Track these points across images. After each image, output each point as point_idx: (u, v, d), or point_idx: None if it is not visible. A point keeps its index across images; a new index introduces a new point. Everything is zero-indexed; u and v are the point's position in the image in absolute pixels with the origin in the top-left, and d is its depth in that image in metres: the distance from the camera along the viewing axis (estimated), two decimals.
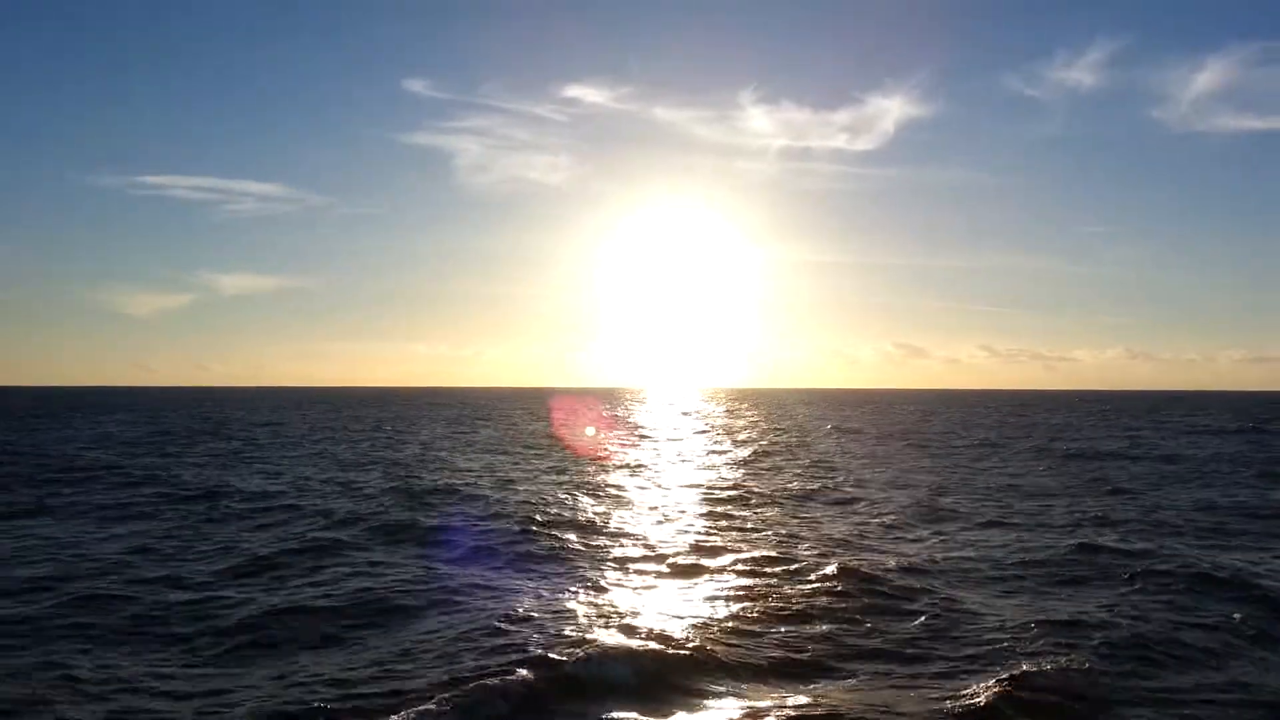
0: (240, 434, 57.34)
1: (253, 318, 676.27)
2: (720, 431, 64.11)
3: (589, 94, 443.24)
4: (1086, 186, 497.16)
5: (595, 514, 22.55)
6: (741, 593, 14.12)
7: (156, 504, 24.32)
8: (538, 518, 21.31)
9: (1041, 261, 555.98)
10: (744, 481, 30.71)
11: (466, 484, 28.47)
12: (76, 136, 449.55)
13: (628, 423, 77.35)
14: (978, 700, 9.52)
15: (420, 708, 9.06)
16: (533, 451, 44.00)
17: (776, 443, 51.32)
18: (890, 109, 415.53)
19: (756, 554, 17.17)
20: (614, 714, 9.36)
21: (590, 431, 62.34)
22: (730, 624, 12.43)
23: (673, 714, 9.39)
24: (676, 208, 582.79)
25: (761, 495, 26.60)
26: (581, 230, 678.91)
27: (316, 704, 9.24)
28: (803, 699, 9.70)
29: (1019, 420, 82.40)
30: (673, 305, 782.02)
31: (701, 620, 12.55)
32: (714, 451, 44.93)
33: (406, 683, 9.87)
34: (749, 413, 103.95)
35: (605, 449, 45.83)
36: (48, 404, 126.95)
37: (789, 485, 29.50)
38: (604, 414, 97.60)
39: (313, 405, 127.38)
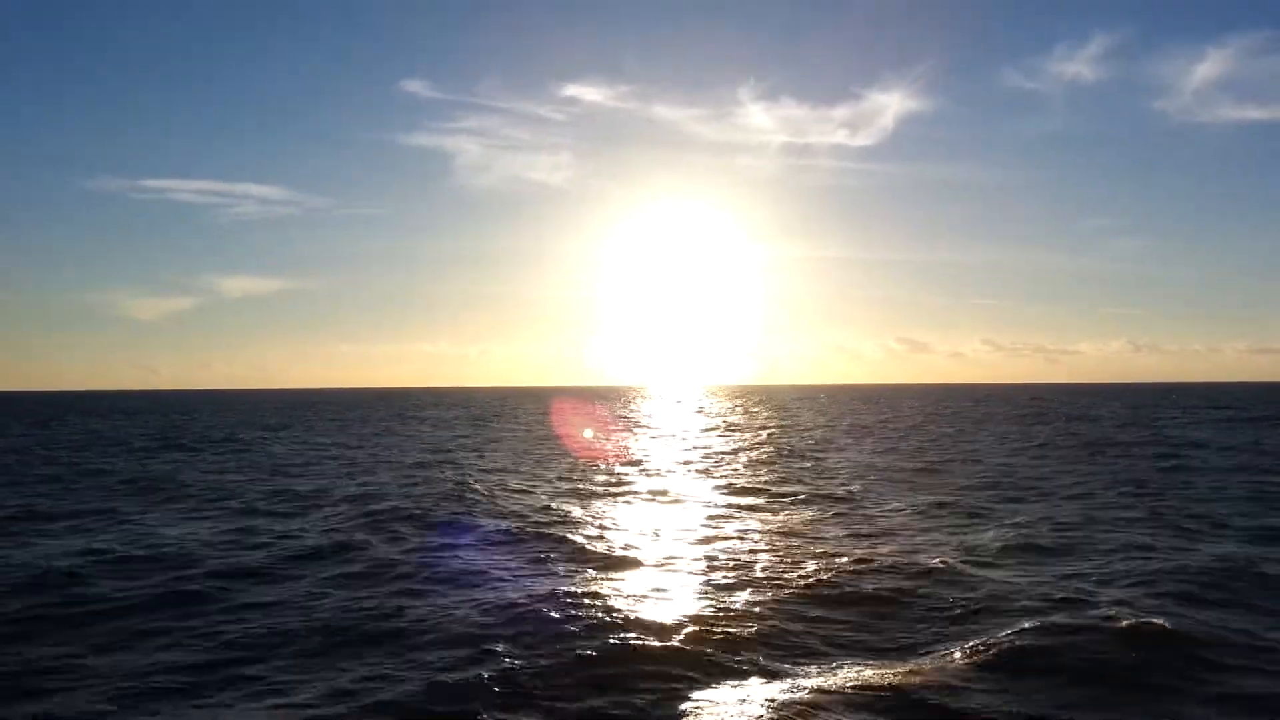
0: (252, 438, 57.10)
1: (256, 320, 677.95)
2: (738, 430, 63.81)
3: (587, 93, 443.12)
4: (1088, 179, 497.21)
5: (629, 515, 22.29)
6: (813, 589, 13.85)
7: (199, 507, 24.19)
8: (574, 517, 21.14)
9: (1043, 255, 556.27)
10: (784, 482, 30.42)
11: (490, 485, 28.19)
12: (78, 141, 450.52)
13: (641, 422, 77.04)
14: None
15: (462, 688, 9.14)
16: (551, 452, 43.71)
17: (797, 440, 51.02)
18: (889, 104, 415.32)
19: (822, 550, 16.90)
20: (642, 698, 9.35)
21: (601, 433, 62.00)
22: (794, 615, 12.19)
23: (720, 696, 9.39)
24: (678, 206, 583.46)
25: (809, 495, 26.32)
26: (583, 229, 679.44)
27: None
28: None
29: (1036, 412, 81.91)
30: (675, 303, 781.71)
31: (765, 611, 12.31)
32: (736, 452, 44.61)
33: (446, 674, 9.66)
34: (759, 410, 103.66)
35: (622, 449, 45.52)
36: (54, 408, 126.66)
37: (828, 486, 29.23)
38: (615, 413, 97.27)
39: (316, 407, 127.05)
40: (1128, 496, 24.33)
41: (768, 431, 58.97)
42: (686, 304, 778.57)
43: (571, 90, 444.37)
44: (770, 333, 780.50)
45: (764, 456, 39.32)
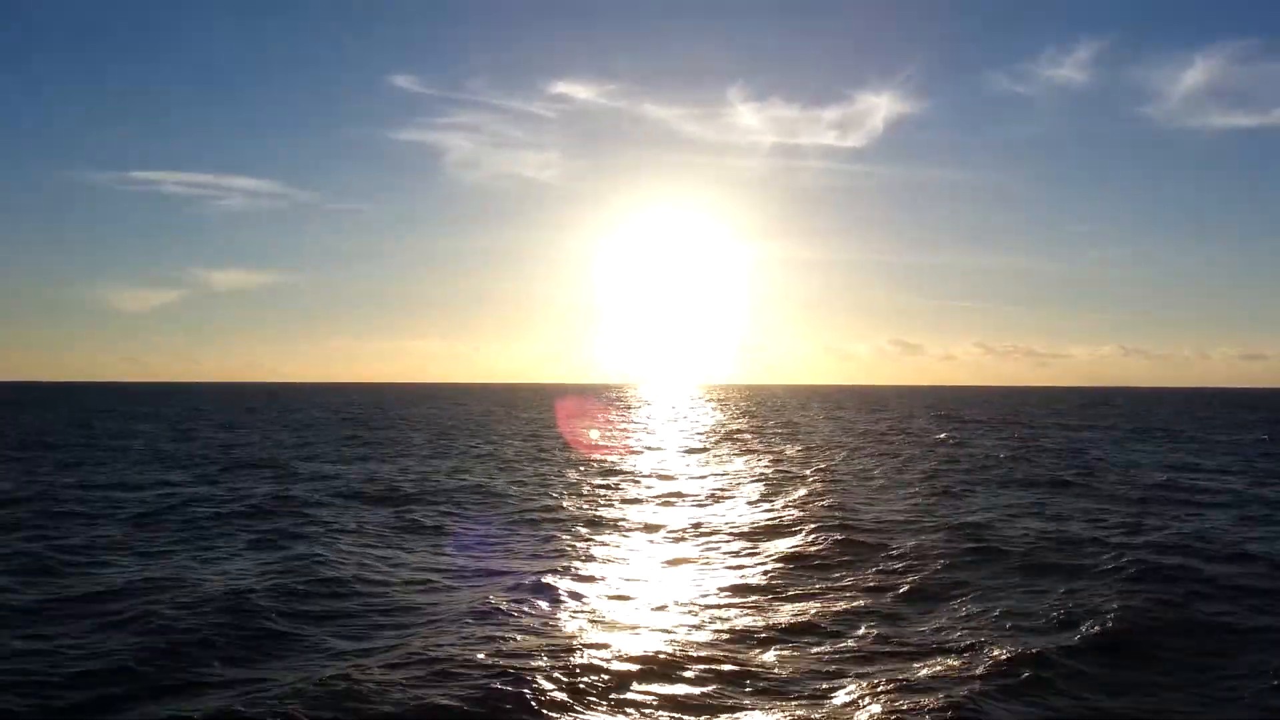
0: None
1: (244, 313, 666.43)
2: (747, 434, 59.89)
3: (577, 91, 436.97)
4: (1076, 184, 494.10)
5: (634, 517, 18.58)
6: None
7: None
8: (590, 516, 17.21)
9: (1034, 259, 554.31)
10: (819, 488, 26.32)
11: (514, 489, 24.12)
12: (66, 133, 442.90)
13: (647, 423, 73.27)
14: None
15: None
16: (544, 449, 39.64)
17: (823, 444, 47.05)
18: (879, 106, 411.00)
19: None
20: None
21: (594, 433, 58.27)
22: None
23: None
24: (668, 205, 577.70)
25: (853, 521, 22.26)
26: (574, 227, 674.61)
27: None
28: None
29: (1053, 421, 77.93)
30: (666, 302, 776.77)
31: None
32: (751, 452, 40.63)
33: None
34: (761, 412, 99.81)
35: (622, 450, 41.72)
36: (41, 397, 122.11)
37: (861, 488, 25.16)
38: (619, 413, 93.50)
39: (301, 402, 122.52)
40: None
41: (786, 432, 54.74)
42: (677, 303, 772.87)
43: (561, 88, 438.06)
44: (762, 332, 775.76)
45: (792, 465, 35.13)
